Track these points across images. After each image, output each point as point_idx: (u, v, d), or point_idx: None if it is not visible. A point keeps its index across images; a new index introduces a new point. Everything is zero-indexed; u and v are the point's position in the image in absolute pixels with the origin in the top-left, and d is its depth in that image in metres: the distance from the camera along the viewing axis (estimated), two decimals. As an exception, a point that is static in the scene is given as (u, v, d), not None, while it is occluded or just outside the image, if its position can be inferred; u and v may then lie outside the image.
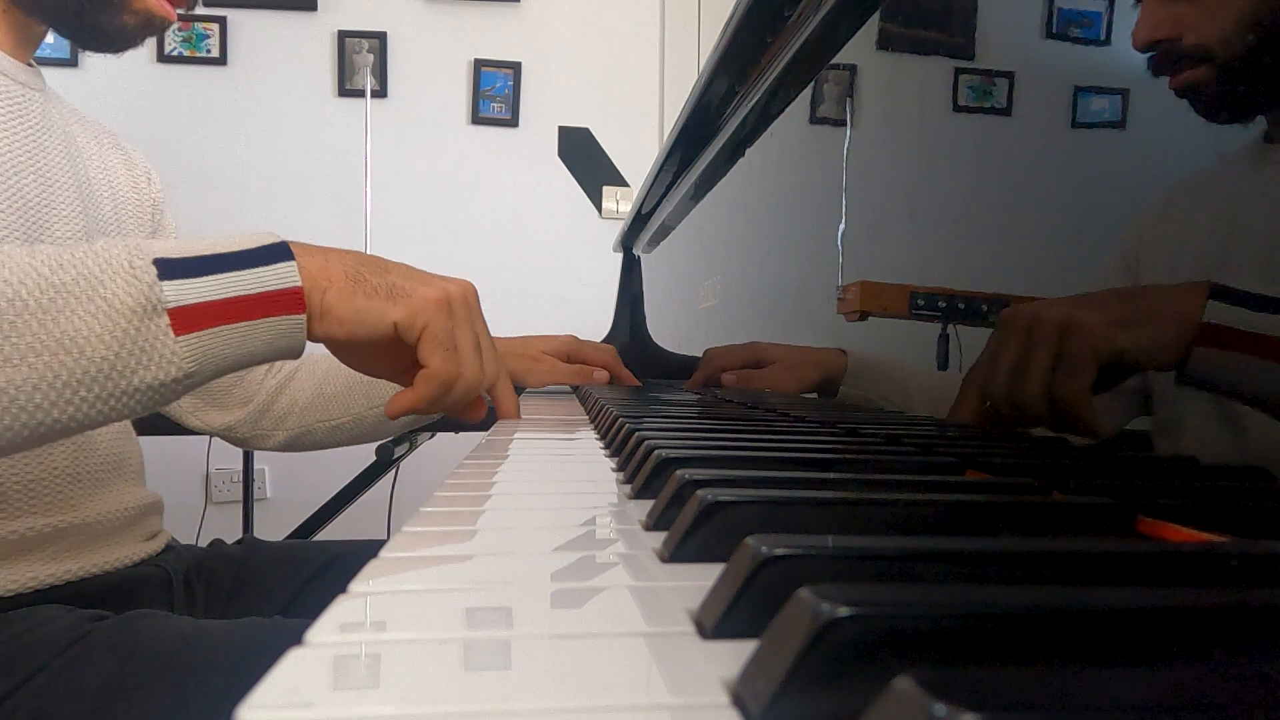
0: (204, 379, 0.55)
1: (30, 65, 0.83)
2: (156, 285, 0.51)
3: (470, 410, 0.68)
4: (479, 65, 2.90)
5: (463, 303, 0.62)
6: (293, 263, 0.55)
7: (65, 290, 0.50)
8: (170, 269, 0.52)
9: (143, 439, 0.95)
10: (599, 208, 2.92)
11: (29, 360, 0.48)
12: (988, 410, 0.54)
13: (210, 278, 0.53)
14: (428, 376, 0.61)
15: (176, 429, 1.06)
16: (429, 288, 0.60)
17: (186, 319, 0.52)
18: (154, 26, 0.82)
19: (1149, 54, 0.49)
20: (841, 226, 0.91)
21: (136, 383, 0.52)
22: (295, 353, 0.58)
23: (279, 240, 0.56)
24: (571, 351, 1.12)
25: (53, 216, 0.79)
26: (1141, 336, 0.44)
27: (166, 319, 0.51)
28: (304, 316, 0.56)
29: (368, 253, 0.60)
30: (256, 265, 0.54)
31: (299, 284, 0.55)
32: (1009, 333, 0.50)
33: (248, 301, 0.54)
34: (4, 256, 0.50)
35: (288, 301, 0.55)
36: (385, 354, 0.63)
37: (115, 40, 0.82)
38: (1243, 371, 0.40)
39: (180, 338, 0.52)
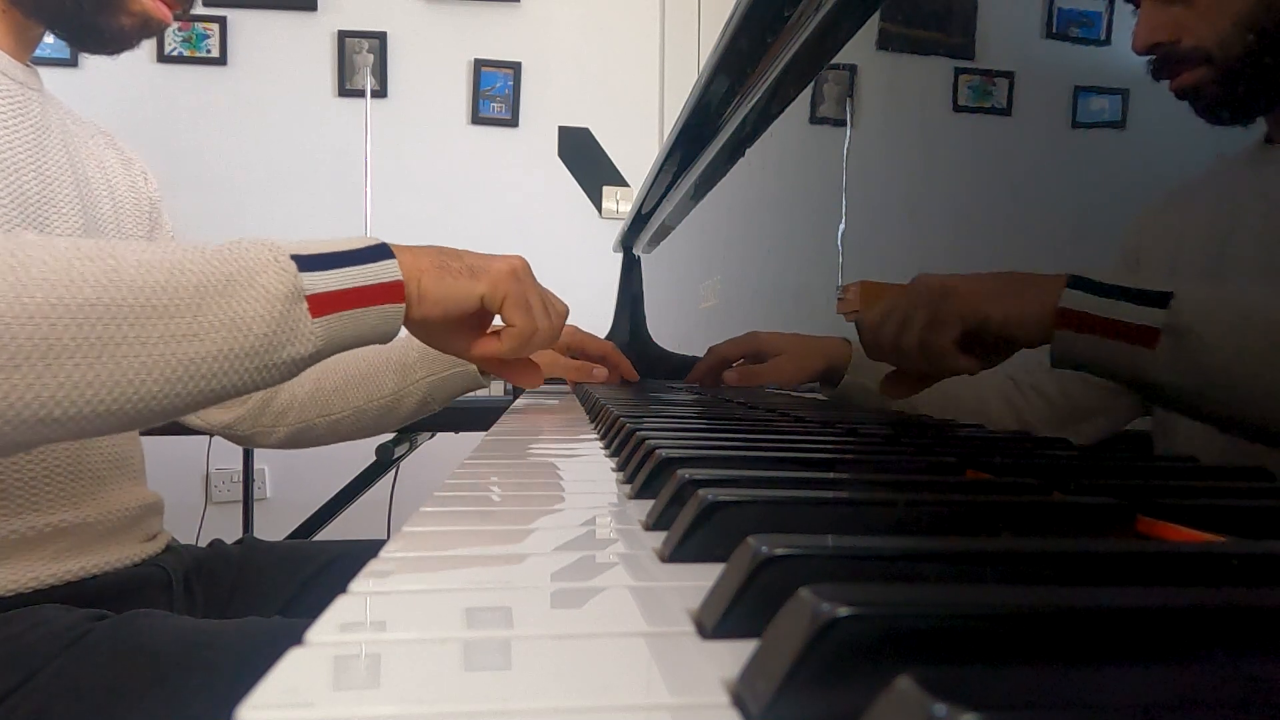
0: (325, 356, 0.64)
1: (28, 66, 0.83)
2: (299, 276, 0.61)
3: (527, 375, 0.82)
4: (479, 65, 2.90)
5: (526, 272, 0.73)
6: (395, 260, 0.65)
7: (233, 280, 0.59)
8: (305, 263, 0.61)
9: (143, 439, 0.95)
10: (599, 208, 2.92)
11: (210, 335, 0.57)
12: (883, 357, 0.64)
13: (336, 271, 0.63)
14: (512, 333, 0.72)
15: (177, 428, 1.06)
16: (501, 263, 0.71)
17: (320, 304, 0.62)
18: (150, 28, 0.83)
19: (1149, 57, 0.49)
20: (841, 226, 0.91)
21: (284, 357, 0.61)
22: (390, 336, 0.68)
23: (381, 241, 0.66)
24: (571, 343, 1.12)
25: (52, 214, 0.80)
26: (1007, 310, 0.52)
27: (306, 304, 0.61)
28: (403, 305, 0.66)
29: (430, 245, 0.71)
30: (369, 262, 0.64)
31: (400, 277, 0.65)
32: (901, 297, 0.61)
33: (364, 291, 0.64)
34: (181, 253, 0.58)
35: (393, 292, 0.65)
36: (463, 328, 0.74)
37: (112, 42, 0.82)
38: (1100, 351, 0.47)
39: (316, 319, 0.62)
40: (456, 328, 0.74)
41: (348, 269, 0.63)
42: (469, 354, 0.76)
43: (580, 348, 1.12)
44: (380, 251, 0.65)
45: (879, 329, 0.62)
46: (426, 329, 0.73)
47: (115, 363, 0.55)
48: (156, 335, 0.56)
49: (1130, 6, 0.52)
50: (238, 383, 0.60)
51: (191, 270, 0.57)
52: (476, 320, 0.74)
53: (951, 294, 0.56)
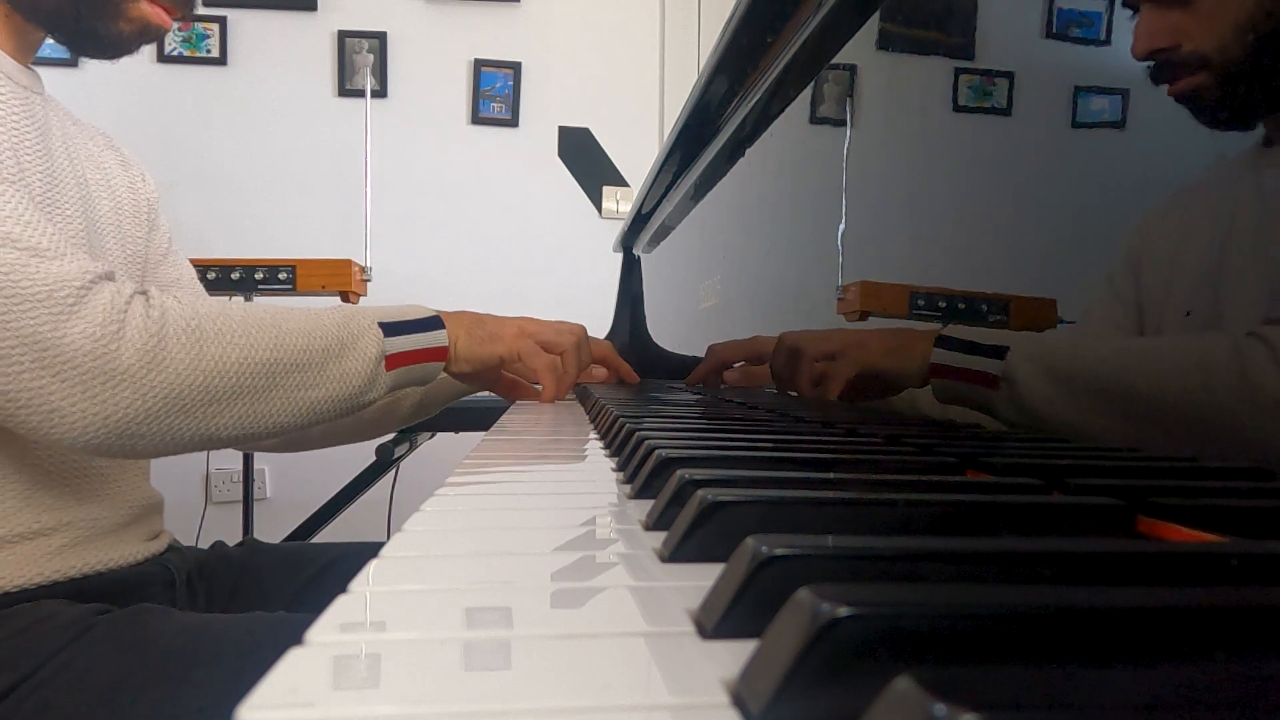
0: (383, 397, 0.83)
1: (29, 69, 0.84)
2: (383, 341, 0.81)
3: (530, 393, 1.03)
4: (479, 65, 2.89)
5: (533, 325, 0.94)
6: (444, 330, 0.86)
7: (345, 344, 0.78)
8: (387, 330, 0.81)
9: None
10: (599, 208, 2.92)
11: (327, 385, 0.77)
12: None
13: (405, 336, 0.83)
14: (542, 374, 0.93)
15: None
16: (511, 328, 0.92)
17: (393, 361, 0.81)
18: (150, 34, 0.83)
19: (1148, 63, 0.49)
20: (841, 226, 0.91)
21: (366, 400, 0.81)
22: (429, 382, 0.89)
23: (435, 314, 0.87)
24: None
25: (57, 215, 0.80)
26: (895, 364, 0.66)
27: (384, 362, 0.81)
28: (444, 362, 0.87)
29: (460, 310, 0.92)
30: (426, 330, 0.85)
31: (446, 343, 0.86)
32: (818, 340, 0.79)
33: (423, 352, 0.84)
34: (309, 319, 0.77)
35: (439, 354, 0.86)
36: (489, 377, 0.99)
37: (111, 47, 0.83)
38: (964, 393, 0.59)
39: (389, 372, 0.81)
40: (486, 377, 0.98)
41: (413, 335, 0.84)
42: (507, 396, 1.03)
43: None
44: (435, 322, 0.86)
45: (790, 362, 0.79)
46: (462, 378, 0.95)
47: (269, 403, 0.74)
48: (295, 384, 0.75)
49: (1129, 7, 0.52)
50: (332, 415, 0.79)
51: (319, 336, 0.77)
52: (496, 373, 0.97)
53: (858, 346, 0.72)
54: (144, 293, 0.70)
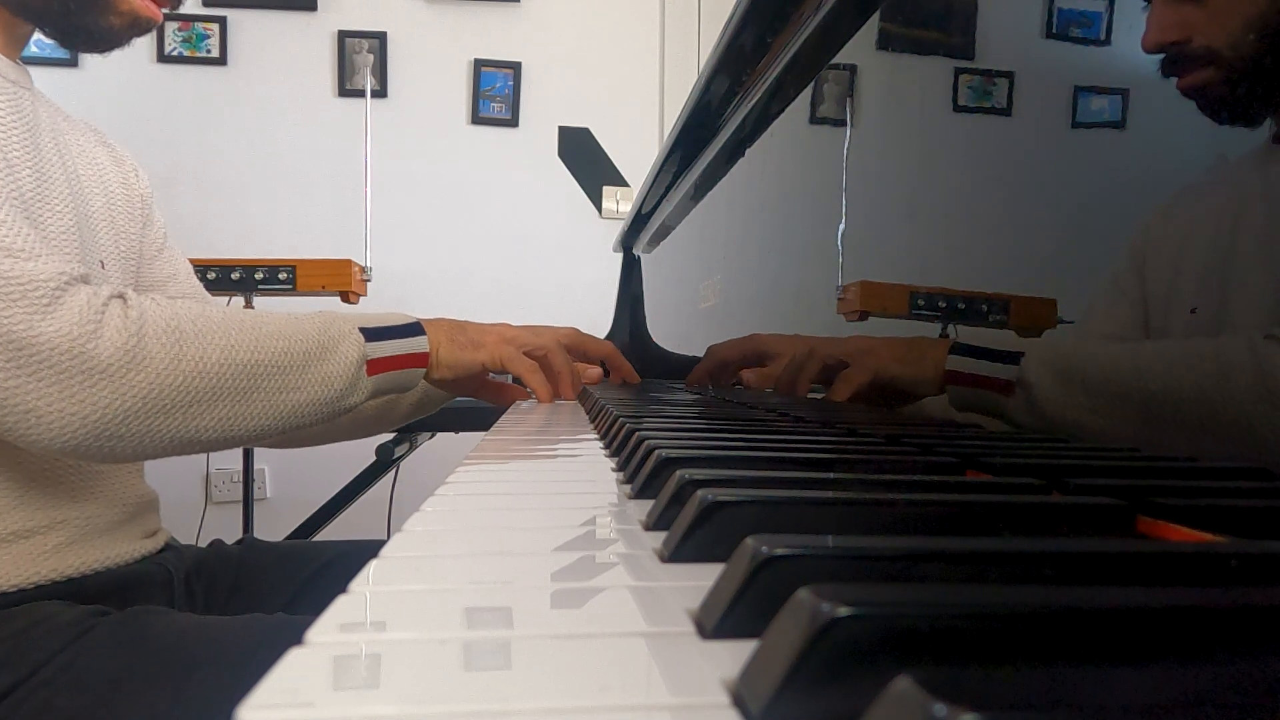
0: (366, 402, 0.83)
1: (18, 64, 0.83)
2: (364, 345, 0.81)
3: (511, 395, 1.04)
4: (479, 65, 2.89)
5: (514, 331, 0.95)
6: (425, 337, 0.86)
7: (325, 347, 0.79)
8: (368, 335, 0.82)
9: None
10: (599, 208, 2.92)
11: (308, 388, 0.77)
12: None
13: (387, 341, 0.83)
14: (531, 383, 0.94)
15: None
16: (493, 335, 0.92)
17: (374, 366, 0.82)
18: (139, 27, 0.83)
19: (1157, 56, 0.49)
20: (841, 226, 0.91)
21: (346, 405, 0.81)
22: (411, 389, 0.89)
23: (416, 320, 0.88)
24: (572, 345, 1.12)
25: (47, 211, 0.80)
26: (910, 371, 0.68)
27: (365, 366, 0.81)
28: (426, 368, 0.87)
29: (440, 317, 0.92)
30: (407, 336, 0.85)
31: (427, 350, 0.87)
32: (830, 346, 0.81)
33: (404, 358, 0.85)
34: (289, 323, 0.77)
35: (420, 360, 0.86)
36: (472, 384, 1.00)
37: (102, 41, 0.82)
38: (979, 399, 0.60)
39: (369, 377, 0.82)
40: (464, 384, 0.98)
41: (394, 340, 0.84)
42: (494, 401, 1.04)
43: (580, 349, 1.12)
44: (415, 328, 0.86)
45: (802, 370, 0.80)
46: (443, 385, 0.96)
47: (249, 405, 0.74)
48: (277, 387, 0.75)
49: (1131, 6, 0.52)
50: (313, 419, 0.79)
51: (299, 339, 0.77)
52: (480, 378, 0.98)
53: (870, 353, 0.73)
54: (121, 295, 0.70)
